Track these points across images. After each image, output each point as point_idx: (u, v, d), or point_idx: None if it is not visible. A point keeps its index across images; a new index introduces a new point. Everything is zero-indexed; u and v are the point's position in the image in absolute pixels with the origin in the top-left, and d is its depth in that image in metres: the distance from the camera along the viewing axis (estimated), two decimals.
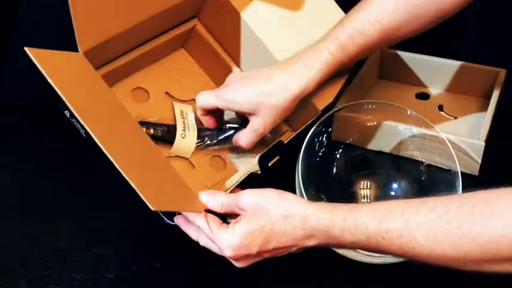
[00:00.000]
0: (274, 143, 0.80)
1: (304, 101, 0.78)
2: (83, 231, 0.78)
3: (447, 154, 0.78)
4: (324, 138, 0.83)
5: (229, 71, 0.85)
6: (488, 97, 0.94)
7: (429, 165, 0.83)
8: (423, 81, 1.03)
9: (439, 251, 0.55)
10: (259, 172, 0.78)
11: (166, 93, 0.84)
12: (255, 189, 0.67)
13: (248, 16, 0.81)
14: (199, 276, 0.74)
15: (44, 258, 0.74)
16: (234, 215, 0.67)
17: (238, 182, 0.78)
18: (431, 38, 1.08)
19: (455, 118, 0.96)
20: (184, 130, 0.80)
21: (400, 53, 1.03)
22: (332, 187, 0.83)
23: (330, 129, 0.85)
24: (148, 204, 0.59)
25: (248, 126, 0.77)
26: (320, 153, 0.83)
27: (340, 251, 0.71)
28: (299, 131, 0.83)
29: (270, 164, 0.79)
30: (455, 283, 0.72)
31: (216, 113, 0.79)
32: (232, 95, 0.75)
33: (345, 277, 0.73)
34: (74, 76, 0.68)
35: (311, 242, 0.64)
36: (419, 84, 1.03)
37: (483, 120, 0.87)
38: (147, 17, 0.76)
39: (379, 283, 0.72)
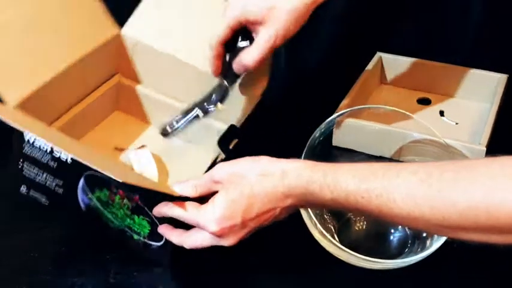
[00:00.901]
0: (227, 128, 0.81)
1: (242, 90, 0.81)
2: (84, 235, 0.78)
3: (448, 159, 0.78)
4: (325, 144, 0.83)
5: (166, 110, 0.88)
6: (489, 102, 0.94)
7: None
8: (424, 87, 1.03)
9: (417, 214, 0.54)
10: (223, 157, 0.78)
11: (116, 148, 0.88)
12: (227, 161, 0.65)
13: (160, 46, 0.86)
14: (200, 281, 0.74)
15: (45, 263, 0.74)
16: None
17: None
18: (434, 43, 1.09)
19: (457, 123, 0.96)
20: (140, 166, 0.84)
21: (402, 58, 1.03)
22: None
23: (331, 134, 0.85)
24: (115, 177, 0.61)
25: (256, 41, 0.73)
26: (321, 159, 0.82)
27: (343, 257, 0.71)
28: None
29: (231, 147, 0.80)
30: None
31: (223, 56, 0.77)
32: (238, 4, 0.73)
33: (344, 283, 0.73)
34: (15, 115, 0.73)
35: (289, 201, 0.62)
36: (420, 89, 1.04)
37: (484, 126, 0.87)
38: (65, 68, 0.81)
39: None
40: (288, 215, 0.64)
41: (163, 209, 0.66)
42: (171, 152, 0.88)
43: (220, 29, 0.75)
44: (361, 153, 0.89)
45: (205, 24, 0.84)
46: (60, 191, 0.73)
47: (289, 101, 1.03)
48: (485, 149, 0.83)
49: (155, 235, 0.70)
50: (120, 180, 0.61)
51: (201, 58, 0.80)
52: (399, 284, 0.72)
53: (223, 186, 0.63)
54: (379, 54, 1.04)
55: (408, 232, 0.77)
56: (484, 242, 0.53)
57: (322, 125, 0.80)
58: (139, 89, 0.91)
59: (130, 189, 0.68)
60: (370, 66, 1.01)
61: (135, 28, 0.87)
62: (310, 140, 0.78)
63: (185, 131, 0.81)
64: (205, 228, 0.63)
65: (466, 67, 1.00)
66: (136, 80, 0.91)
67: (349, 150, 0.88)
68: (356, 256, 0.68)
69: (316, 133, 0.79)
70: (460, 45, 1.08)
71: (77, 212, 0.74)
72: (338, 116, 0.84)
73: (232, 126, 0.81)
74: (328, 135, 0.83)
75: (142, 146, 0.87)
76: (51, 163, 0.71)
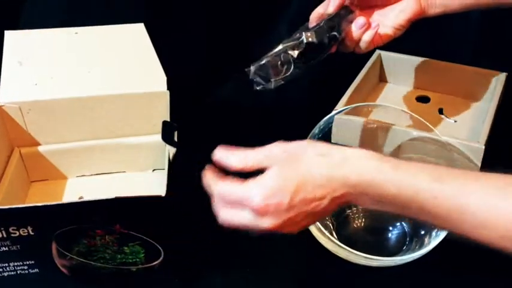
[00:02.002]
0: (162, 124, 0.80)
1: None
2: None
3: (447, 157, 0.79)
4: (324, 141, 0.83)
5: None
6: (488, 101, 0.94)
7: None
8: (423, 84, 1.03)
9: (492, 224, 0.50)
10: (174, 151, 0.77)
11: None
12: (283, 142, 0.60)
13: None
14: (198, 280, 0.74)
15: None
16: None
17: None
18: (433, 42, 1.09)
19: (455, 121, 0.96)
20: None
21: (401, 55, 1.03)
22: None
23: (330, 132, 0.85)
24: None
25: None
26: None
27: (341, 254, 0.71)
28: None
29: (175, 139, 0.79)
30: None
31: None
32: None
33: (342, 280, 0.73)
34: None
35: (343, 190, 0.56)
36: (419, 87, 1.04)
37: (483, 124, 0.87)
38: None
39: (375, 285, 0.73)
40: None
41: (209, 182, 0.60)
42: (113, 190, 0.84)
43: None
44: None
45: (77, 55, 0.85)
46: (36, 270, 0.69)
47: (288, 98, 1.03)
48: (483, 147, 0.83)
49: (152, 253, 0.68)
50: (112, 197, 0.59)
51: (94, 85, 0.81)
52: (397, 281, 0.72)
53: (276, 162, 0.58)
54: (378, 51, 1.04)
55: (406, 230, 0.77)
56: None
57: (321, 122, 0.80)
58: (42, 149, 0.83)
59: (108, 220, 0.65)
60: (369, 64, 1.01)
61: (12, 94, 0.79)
62: (309, 137, 0.78)
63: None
64: (248, 201, 0.56)
65: (465, 65, 1.00)
66: (35, 143, 0.83)
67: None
68: (354, 253, 0.68)
69: (315, 130, 0.79)
70: (459, 43, 1.08)
71: (65, 281, 0.70)
72: (337, 113, 0.84)
73: (165, 122, 0.80)
74: (327, 132, 0.83)
75: (81, 198, 0.82)
76: (13, 247, 0.66)
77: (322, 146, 0.58)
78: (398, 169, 0.54)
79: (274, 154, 0.58)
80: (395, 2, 0.75)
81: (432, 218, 0.54)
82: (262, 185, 0.56)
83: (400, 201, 0.54)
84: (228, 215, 0.58)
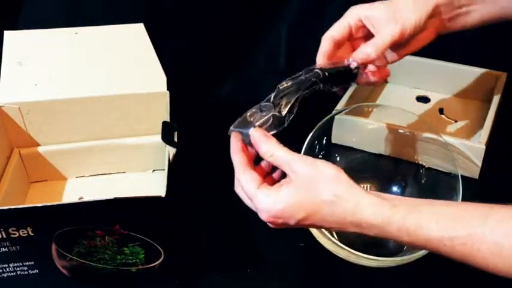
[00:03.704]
0: (162, 125, 0.80)
1: None
2: None
3: (447, 157, 0.79)
4: (324, 141, 0.83)
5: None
6: (488, 101, 0.94)
7: (429, 169, 0.83)
8: (424, 84, 1.03)
9: (501, 266, 0.53)
10: (174, 151, 0.77)
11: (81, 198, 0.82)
12: (310, 158, 0.61)
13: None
14: (197, 279, 0.74)
15: None
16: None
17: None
18: (433, 41, 1.09)
19: (456, 121, 0.96)
20: None
21: None
22: None
23: (330, 132, 0.85)
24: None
25: (380, 33, 0.73)
26: (320, 156, 0.82)
27: (342, 255, 0.71)
28: None
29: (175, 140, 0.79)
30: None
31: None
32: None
33: (343, 281, 0.73)
34: None
35: (355, 229, 0.59)
36: (420, 87, 1.04)
37: (483, 124, 0.87)
38: None
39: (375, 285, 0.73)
40: None
41: (234, 148, 0.63)
42: (113, 190, 0.84)
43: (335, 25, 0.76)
44: (360, 151, 0.89)
45: (77, 55, 0.86)
46: (36, 271, 0.69)
47: None
48: (484, 147, 0.83)
49: (152, 254, 0.69)
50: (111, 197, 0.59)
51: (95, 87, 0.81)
52: (397, 281, 0.72)
53: (295, 181, 0.59)
54: None
55: None
56: None
57: (321, 123, 0.80)
58: (42, 150, 0.83)
59: (108, 221, 0.65)
60: None
61: (11, 94, 0.79)
62: (309, 137, 0.78)
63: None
64: (257, 211, 0.60)
65: (465, 65, 1.00)
66: (34, 144, 0.83)
67: (348, 148, 0.88)
68: (355, 254, 0.68)
69: (315, 131, 0.79)
70: (459, 43, 1.07)
71: (65, 282, 0.71)
72: (337, 113, 0.84)
73: (165, 122, 0.80)
74: (327, 132, 0.83)
75: (81, 198, 0.81)
76: (13, 248, 0.66)
77: (341, 186, 0.59)
78: (407, 219, 0.56)
79: (297, 171, 0.59)
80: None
81: (450, 259, 0.56)
82: (275, 203, 0.58)
83: (413, 245, 0.58)
84: (246, 199, 0.62)
